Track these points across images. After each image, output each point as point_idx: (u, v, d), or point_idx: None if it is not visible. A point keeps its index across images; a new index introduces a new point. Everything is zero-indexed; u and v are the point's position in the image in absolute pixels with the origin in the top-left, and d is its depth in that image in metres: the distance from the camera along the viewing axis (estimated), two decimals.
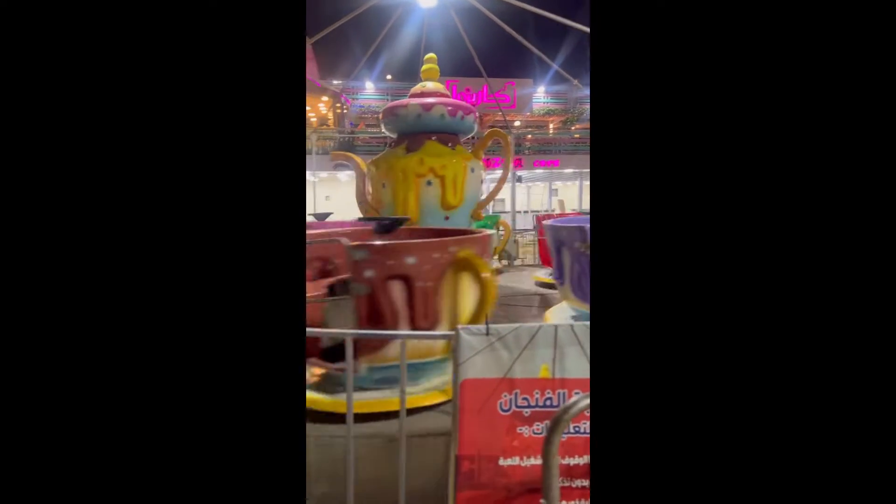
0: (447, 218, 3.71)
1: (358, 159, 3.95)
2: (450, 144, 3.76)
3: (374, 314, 1.86)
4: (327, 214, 4.20)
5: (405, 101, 3.74)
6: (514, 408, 1.27)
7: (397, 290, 1.87)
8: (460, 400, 1.27)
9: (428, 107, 3.63)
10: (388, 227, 2.44)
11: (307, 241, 1.86)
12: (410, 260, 1.87)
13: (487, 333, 1.30)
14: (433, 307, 1.92)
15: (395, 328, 1.88)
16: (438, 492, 1.32)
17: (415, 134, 3.70)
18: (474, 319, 1.89)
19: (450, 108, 3.67)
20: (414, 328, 1.88)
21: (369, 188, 3.88)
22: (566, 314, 2.97)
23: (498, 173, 4.20)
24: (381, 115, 3.93)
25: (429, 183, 3.57)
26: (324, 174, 14.00)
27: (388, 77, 18.71)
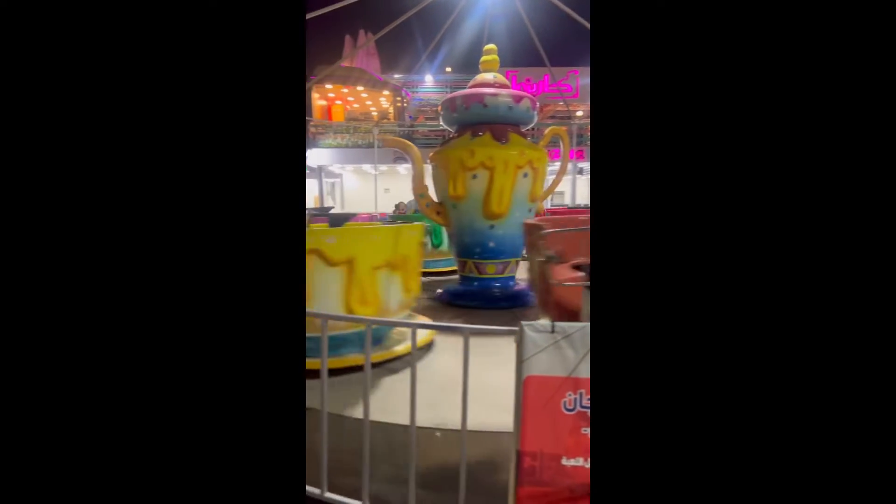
0: (530, 210, 3.70)
1: (414, 148, 3.97)
2: (528, 138, 3.76)
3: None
4: (329, 208, 4.27)
5: (492, 90, 3.69)
6: (578, 408, 1.25)
7: None
8: (524, 396, 1.26)
9: (518, 98, 3.63)
10: None
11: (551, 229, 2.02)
12: None
13: (553, 331, 1.28)
14: None
15: None
16: (496, 485, 1.33)
17: (494, 125, 3.66)
18: None
19: (531, 101, 3.67)
20: None
21: (428, 179, 3.90)
22: None
23: (558, 165, 4.10)
24: (440, 107, 3.92)
25: (525, 175, 3.56)
26: (384, 167, 14.38)
27: (448, 69, 18.75)
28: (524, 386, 1.25)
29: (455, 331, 1.78)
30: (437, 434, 1.78)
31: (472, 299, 3.78)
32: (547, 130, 3.98)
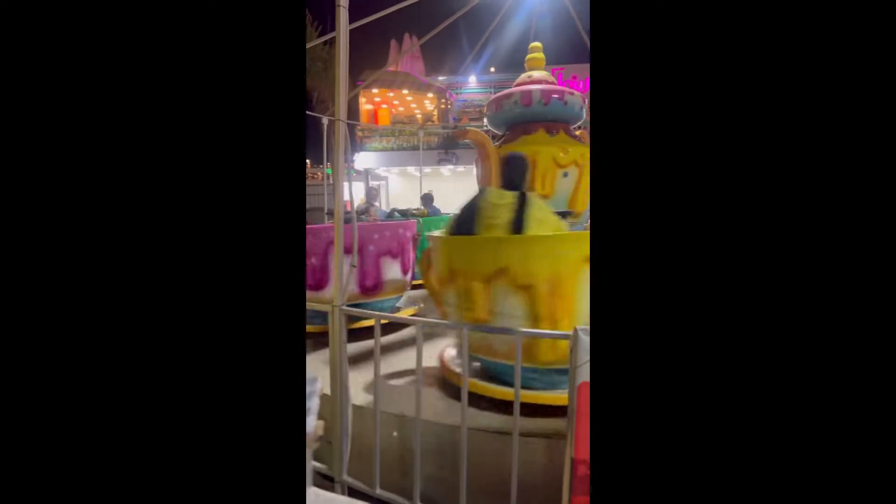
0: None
1: (492, 145, 3.94)
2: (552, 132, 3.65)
3: None
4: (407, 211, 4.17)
5: (555, 87, 3.65)
6: None
7: None
8: (578, 403, 1.23)
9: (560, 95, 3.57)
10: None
11: None
12: None
13: None
14: None
15: None
16: (548, 492, 1.30)
17: (550, 122, 3.60)
18: None
19: (582, 98, 3.58)
20: None
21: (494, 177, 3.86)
22: None
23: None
24: (515, 100, 3.81)
25: (565, 175, 3.49)
26: (428, 169, 14.53)
27: (492, 69, 18.67)
28: (578, 392, 1.22)
29: (509, 333, 1.76)
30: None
31: None
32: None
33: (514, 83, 3.87)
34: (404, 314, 4.04)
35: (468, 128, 4.16)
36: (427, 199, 5.52)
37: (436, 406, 1.98)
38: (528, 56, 3.88)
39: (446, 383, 2.27)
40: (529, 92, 3.55)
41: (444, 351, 2.54)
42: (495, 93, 4.13)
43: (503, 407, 1.84)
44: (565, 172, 3.44)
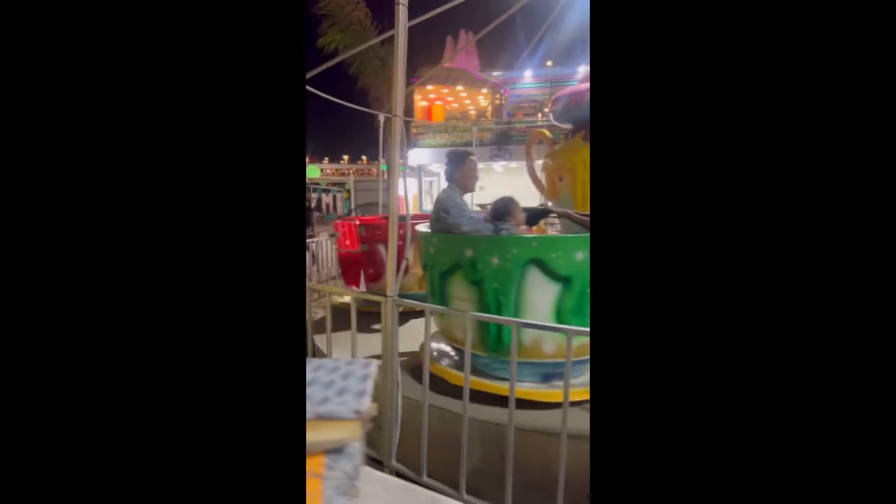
0: None
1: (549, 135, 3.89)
2: None
3: None
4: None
5: (571, 88, 3.58)
6: None
7: None
8: None
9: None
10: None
11: None
12: None
13: None
14: None
15: None
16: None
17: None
18: None
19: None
20: None
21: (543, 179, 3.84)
22: None
23: None
24: (563, 103, 3.75)
25: None
26: (480, 165, 14.50)
27: (549, 63, 18.28)
28: None
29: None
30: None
31: None
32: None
33: (578, 78, 3.77)
34: None
35: (536, 129, 4.10)
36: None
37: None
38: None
39: (418, 372, 2.28)
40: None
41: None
42: (551, 87, 4.06)
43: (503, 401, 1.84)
44: (560, 177, 3.32)
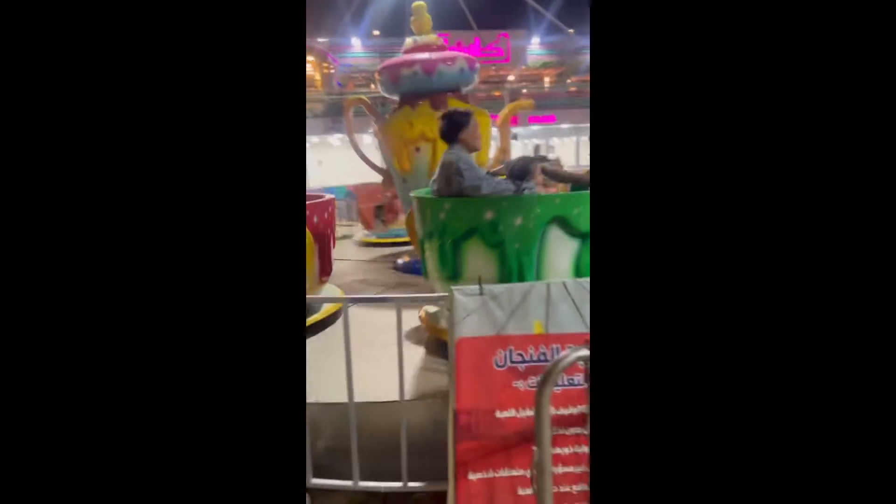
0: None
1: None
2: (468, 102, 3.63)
3: None
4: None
5: (440, 55, 3.54)
6: (509, 363, 1.31)
7: None
8: (457, 358, 1.30)
9: (453, 59, 3.48)
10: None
11: None
12: None
13: (481, 293, 1.32)
14: None
15: None
16: (439, 445, 1.39)
17: (433, 93, 3.54)
18: None
19: (468, 62, 3.54)
20: None
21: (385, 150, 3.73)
22: None
23: (494, 132, 4.08)
24: (385, 75, 3.67)
25: (417, 150, 3.49)
26: (315, 139, 13.70)
27: (375, 33, 17.93)
28: (457, 348, 1.30)
29: (388, 301, 1.78)
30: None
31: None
32: (509, 107, 3.90)
33: (403, 49, 3.75)
34: None
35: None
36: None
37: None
38: (413, 18, 3.75)
39: (435, 344, 2.24)
40: (425, 60, 3.47)
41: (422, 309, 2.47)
42: (380, 58, 3.98)
43: None
44: (417, 148, 3.48)
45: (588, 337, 1.15)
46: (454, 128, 2.03)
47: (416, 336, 2.45)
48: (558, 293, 1.32)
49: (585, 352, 0.88)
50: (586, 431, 1.25)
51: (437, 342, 2.27)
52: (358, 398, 1.55)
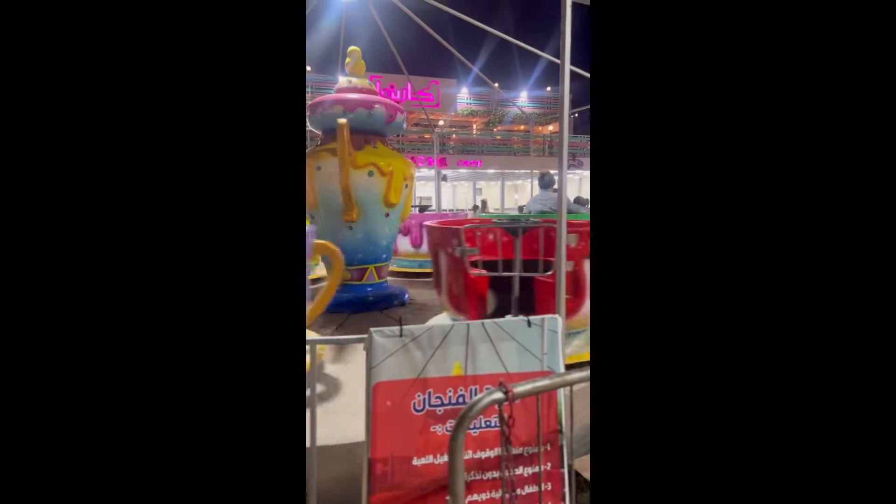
0: (387, 215, 3.68)
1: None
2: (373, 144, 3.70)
3: None
4: (426, 207, 3.99)
5: (361, 98, 3.59)
6: (427, 407, 1.29)
7: None
8: (373, 403, 1.25)
9: (369, 105, 3.56)
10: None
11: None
12: None
13: (401, 335, 1.30)
14: None
15: None
16: (352, 498, 1.30)
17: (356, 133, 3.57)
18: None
19: (389, 108, 3.64)
20: None
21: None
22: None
23: (425, 172, 4.19)
24: (310, 111, 3.73)
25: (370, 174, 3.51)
26: None
27: (308, 69, 17.92)
28: (373, 393, 1.25)
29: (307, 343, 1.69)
30: None
31: (346, 306, 3.68)
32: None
33: (336, 88, 3.79)
34: None
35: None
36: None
37: None
38: (347, 60, 3.85)
39: None
40: (364, 101, 3.55)
41: None
42: (311, 92, 3.97)
43: None
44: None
45: (502, 379, 1.17)
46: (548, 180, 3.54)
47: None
48: (477, 334, 1.34)
49: (500, 394, 0.89)
50: (503, 475, 1.25)
51: None
52: None
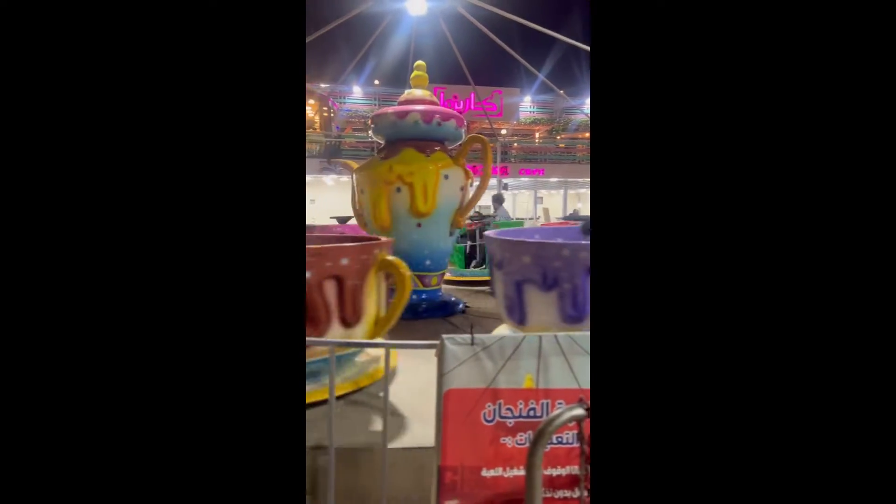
0: (419, 225, 3.69)
1: (354, 166, 3.95)
2: (427, 151, 3.76)
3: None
4: (348, 217, 4.15)
5: (387, 108, 3.75)
6: (497, 418, 1.27)
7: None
8: (444, 410, 1.26)
9: (402, 114, 3.65)
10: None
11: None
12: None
13: (472, 343, 1.30)
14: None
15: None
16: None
17: (393, 141, 3.71)
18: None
19: (424, 114, 3.67)
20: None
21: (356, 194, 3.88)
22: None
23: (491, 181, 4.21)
24: (370, 121, 3.94)
25: (398, 190, 3.57)
26: (310, 178, 13.91)
27: (376, 82, 18.71)
28: (444, 400, 1.26)
29: (374, 346, 1.74)
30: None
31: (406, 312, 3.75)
32: (465, 139, 4.07)
33: (399, 100, 3.96)
34: None
35: (333, 159, 4.15)
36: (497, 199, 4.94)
37: None
38: (413, 74, 4.01)
39: None
40: (423, 112, 3.68)
41: None
42: (379, 105, 4.16)
43: None
44: (398, 188, 3.59)
45: (581, 395, 1.13)
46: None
47: None
48: (550, 347, 1.30)
49: (581, 411, 0.86)
50: (576, 495, 1.20)
51: None
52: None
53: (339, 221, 4.15)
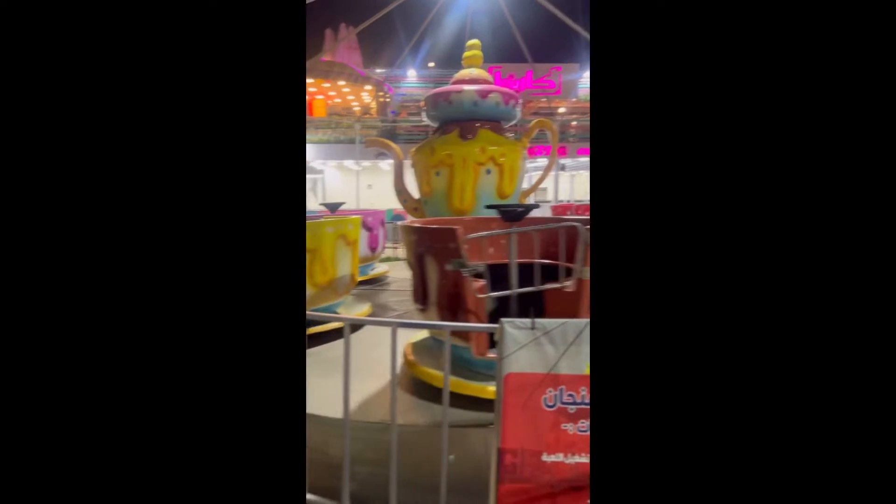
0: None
1: (396, 147, 3.99)
2: (503, 133, 3.73)
3: None
4: (339, 204, 4.16)
5: (457, 87, 3.69)
6: (559, 404, 1.25)
7: None
8: (504, 393, 1.26)
9: (484, 94, 3.60)
10: (518, 214, 2.09)
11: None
12: None
13: (533, 328, 1.28)
14: None
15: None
16: (478, 483, 1.33)
17: (464, 121, 3.66)
18: None
19: (504, 96, 3.62)
20: None
21: (407, 176, 3.91)
22: None
23: (539, 162, 4.12)
24: (423, 103, 3.92)
25: (488, 171, 3.55)
26: (367, 163, 14.24)
27: (431, 64, 18.64)
28: (504, 383, 1.25)
29: (437, 328, 1.77)
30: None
31: None
32: (532, 123, 3.97)
33: (451, 80, 3.91)
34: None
35: (369, 137, 4.24)
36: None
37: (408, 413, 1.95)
38: (466, 53, 3.93)
39: (414, 382, 2.22)
40: (441, 93, 3.63)
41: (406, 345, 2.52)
42: (434, 88, 4.15)
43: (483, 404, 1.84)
44: (487, 170, 3.55)
45: None
46: None
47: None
48: None
49: None
50: None
51: (416, 383, 2.23)
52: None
53: (330, 209, 4.17)
